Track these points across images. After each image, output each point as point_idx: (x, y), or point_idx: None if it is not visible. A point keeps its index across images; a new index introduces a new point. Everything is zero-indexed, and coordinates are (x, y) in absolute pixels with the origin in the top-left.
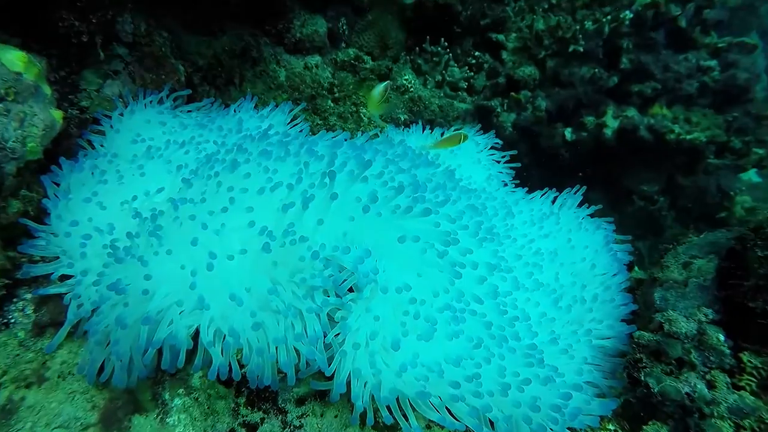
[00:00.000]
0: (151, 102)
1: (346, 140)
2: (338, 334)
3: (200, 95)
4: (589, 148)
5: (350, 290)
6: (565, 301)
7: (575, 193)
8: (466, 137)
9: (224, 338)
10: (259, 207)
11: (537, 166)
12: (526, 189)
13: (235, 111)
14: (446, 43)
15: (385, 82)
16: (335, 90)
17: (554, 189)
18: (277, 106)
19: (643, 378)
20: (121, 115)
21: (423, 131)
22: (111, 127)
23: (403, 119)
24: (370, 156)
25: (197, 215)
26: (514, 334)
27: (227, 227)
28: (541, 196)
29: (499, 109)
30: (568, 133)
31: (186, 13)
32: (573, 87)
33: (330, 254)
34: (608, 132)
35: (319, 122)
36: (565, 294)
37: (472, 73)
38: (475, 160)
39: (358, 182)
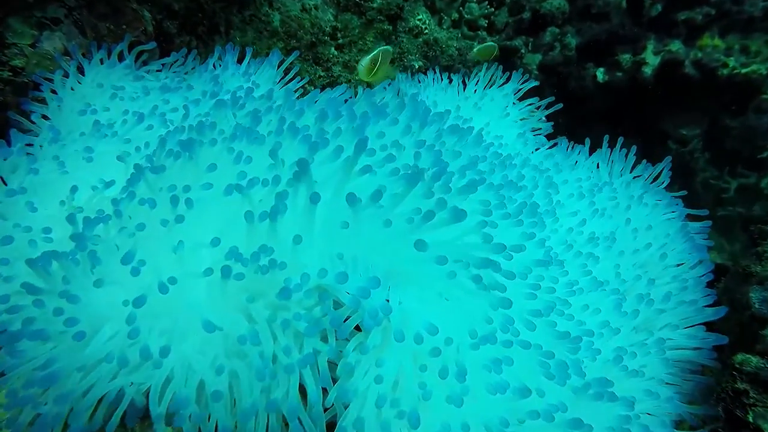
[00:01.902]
0: (103, 60)
1: (347, 101)
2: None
3: (178, 48)
4: (623, 90)
5: (357, 328)
6: (630, 304)
7: (626, 154)
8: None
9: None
10: (226, 215)
11: (563, 113)
12: (569, 146)
13: (214, 66)
14: None
15: (375, 51)
16: (339, 35)
17: (590, 145)
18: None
19: (752, 419)
20: (66, 77)
21: (441, 81)
22: (53, 94)
23: (417, 66)
24: (376, 127)
25: (147, 225)
26: (577, 366)
27: (184, 245)
28: (586, 156)
29: (523, 50)
30: (600, 73)
31: None
32: (608, 20)
33: (319, 284)
34: (647, 71)
35: (322, 74)
36: (628, 293)
37: (493, 9)
38: (503, 114)
39: (354, 173)
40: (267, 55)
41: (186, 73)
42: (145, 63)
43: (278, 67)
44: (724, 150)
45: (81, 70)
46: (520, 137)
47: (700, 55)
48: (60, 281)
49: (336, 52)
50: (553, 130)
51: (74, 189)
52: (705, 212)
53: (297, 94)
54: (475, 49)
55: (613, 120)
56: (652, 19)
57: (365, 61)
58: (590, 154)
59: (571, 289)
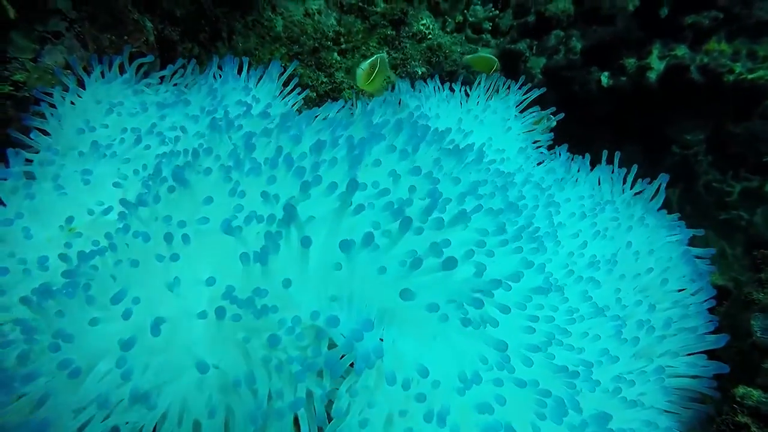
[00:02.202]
0: (104, 74)
1: (345, 118)
2: None
3: (181, 55)
4: (628, 95)
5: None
6: (630, 330)
7: (626, 174)
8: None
9: None
10: (222, 253)
11: (567, 117)
12: (570, 157)
13: (214, 77)
14: None
15: (374, 56)
16: (342, 40)
17: (594, 151)
18: (268, 65)
19: None
20: (66, 92)
21: (443, 89)
22: (53, 108)
23: (420, 72)
24: (371, 156)
25: (142, 260)
26: (574, 401)
27: (180, 283)
28: (584, 172)
29: (527, 53)
30: (604, 78)
31: None
32: (613, 23)
33: (312, 324)
34: (652, 76)
35: (324, 79)
36: (629, 318)
37: (497, 11)
38: (505, 128)
39: (348, 213)
40: (269, 61)
41: (186, 86)
42: (146, 74)
43: (279, 78)
44: (727, 155)
45: (82, 84)
46: (522, 152)
47: (706, 59)
48: (54, 317)
49: (339, 58)
50: (552, 141)
51: (72, 213)
52: (701, 232)
53: (296, 110)
54: (468, 56)
55: (617, 125)
56: (658, 22)
57: (363, 68)
58: (593, 165)
59: (571, 317)
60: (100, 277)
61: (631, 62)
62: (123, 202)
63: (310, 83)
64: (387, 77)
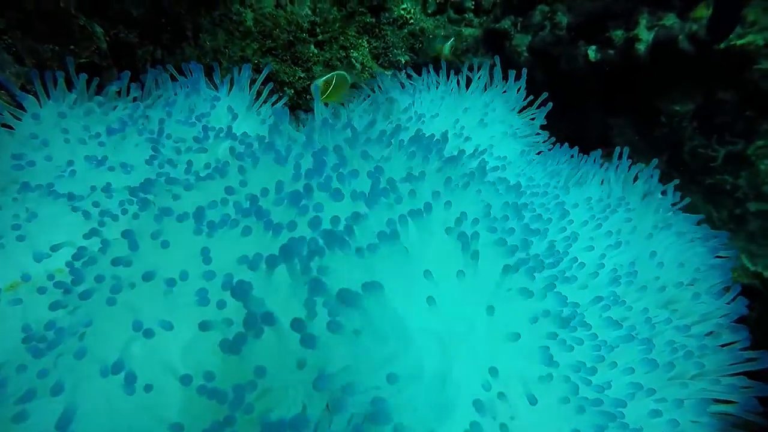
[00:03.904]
0: (48, 92)
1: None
2: None
3: (142, 60)
4: (617, 68)
5: None
6: (661, 354)
7: (630, 163)
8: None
9: None
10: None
11: (555, 96)
12: (567, 155)
13: (180, 89)
14: None
15: (332, 73)
16: (318, 30)
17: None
18: (240, 66)
19: None
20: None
21: (437, 86)
22: None
23: (404, 61)
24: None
25: (79, 358)
26: None
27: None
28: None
29: (512, 31)
30: (591, 52)
31: None
32: None
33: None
34: (641, 47)
35: (302, 74)
36: (657, 338)
37: None
38: (506, 130)
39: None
40: (241, 59)
41: (145, 99)
42: (101, 88)
43: (250, 87)
44: (715, 124)
45: (21, 106)
46: (524, 155)
47: (695, 27)
48: None
49: (316, 50)
50: (546, 123)
51: (6, 273)
52: (725, 234)
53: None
54: (319, 80)
55: (606, 99)
56: None
57: (319, 83)
58: (589, 148)
59: (598, 353)
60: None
61: (618, 34)
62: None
63: (287, 80)
64: (341, 96)
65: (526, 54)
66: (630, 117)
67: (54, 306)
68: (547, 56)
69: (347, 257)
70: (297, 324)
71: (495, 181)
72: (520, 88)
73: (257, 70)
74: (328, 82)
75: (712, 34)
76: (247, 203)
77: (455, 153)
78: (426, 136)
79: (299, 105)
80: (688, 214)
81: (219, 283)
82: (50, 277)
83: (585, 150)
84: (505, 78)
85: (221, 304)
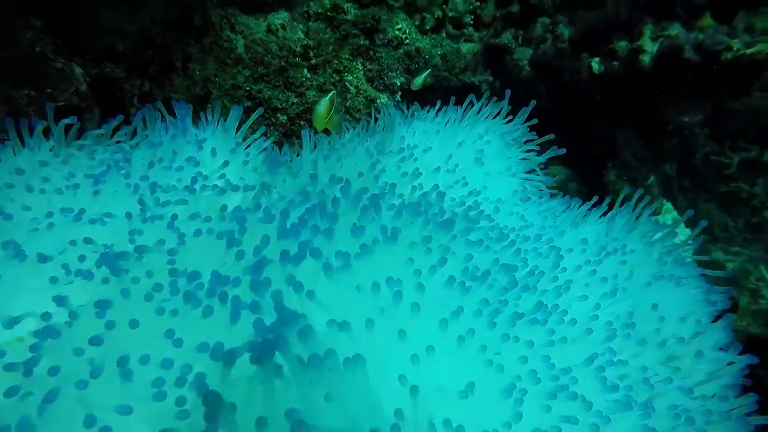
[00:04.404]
0: (23, 140)
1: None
2: None
3: (129, 95)
4: (621, 80)
5: None
6: (665, 421)
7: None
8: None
9: None
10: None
11: (558, 109)
12: (561, 195)
13: (166, 131)
14: None
15: (329, 94)
16: (311, 54)
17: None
18: (229, 96)
19: None
20: None
21: (434, 116)
22: None
23: (399, 84)
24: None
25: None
26: None
27: None
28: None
29: (513, 45)
30: (595, 64)
31: None
32: (602, 6)
33: None
34: (645, 59)
35: (295, 100)
36: (657, 399)
37: (478, 2)
38: (501, 167)
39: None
40: (232, 87)
41: (131, 147)
42: (82, 131)
43: (236, 130)
44: (726, 132)
45: None
46: (517, 194)
47: (701, 37)
48: None
49: (309, 74)
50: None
51: None
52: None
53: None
54: (418, 79)
55: (611, 111)
56: (648, 1)
57: (321, 109)
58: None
59: (593, 424)
60: None
61: (622, 45)
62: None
63: (280, 105)
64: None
65: (527, 68)
66: (636, 128)
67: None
68: (549, 69)
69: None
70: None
71: (483, 238)
72: (511, 118)
73: (249, 97)
74: (328, 107)
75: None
76: (208, 283)
77: (447, 194)
78: (415, 204)
79: (292, 132)
80: (687, 261)
81: (176, 374)
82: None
83: (589, 163)
84: (503, 97)
85: (180, 401)
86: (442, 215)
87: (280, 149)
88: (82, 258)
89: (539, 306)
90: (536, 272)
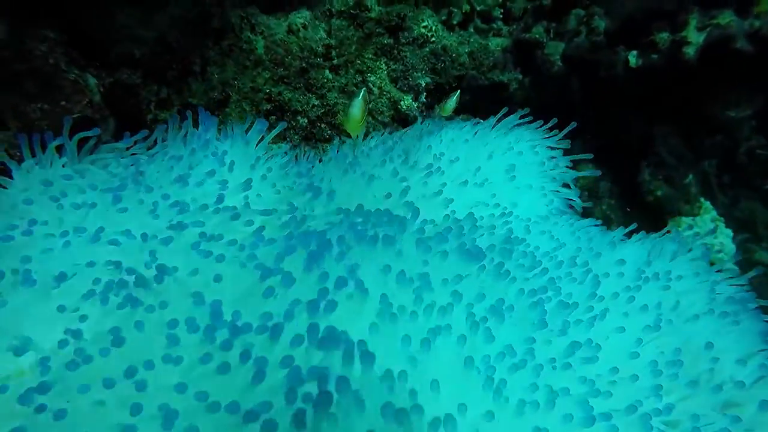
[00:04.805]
0: (36, 156)
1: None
2: None
3: (146, 101)
4: (661, 74)
5: None
6: None
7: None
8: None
9: None
10: None
11: (592, 106)
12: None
13: (185, 143)
14: None
15: (360, 94)
16: (333, 54)
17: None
18: (250, 119)
19: None
20: None
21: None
22: None
23: (424, 84)
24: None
25: None
26: None
27: None
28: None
29: (544, 39)
30: (632, 57)
31: None
32: None
33: None
34: (690, 51)
35: (315, 102)
36: None
37: None
38: (532, 181)
39: None
40: (252, 90)
41: (148, 159)
42: (102, 142)
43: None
44: None
45: (8, 172)
46: (550, 212)
47: (757, 24)
48: None
49: (331, 75)
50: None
51: None
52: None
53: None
54: (448, 104)
55: (647, 108)
56: None
57: (355, 114)
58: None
59: None
60: None
61: (663, 37)
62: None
63: (300, 108)
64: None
65: (560, 63)
66: (675, 125)
67: None
68: (582, 64)
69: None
70: None
71: (515, 267)
72: (542, 122)
73: (269, 100)
74: (363, 109)
75: None
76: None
77: (475, 212)
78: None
79: (313, 135)
80: (746, 292)
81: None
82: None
83: (624, 161)
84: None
85: None
86: (472, 243)
87: (303, 153)
88: (95, 282)
89: (574, 346)
90: (571, 303)
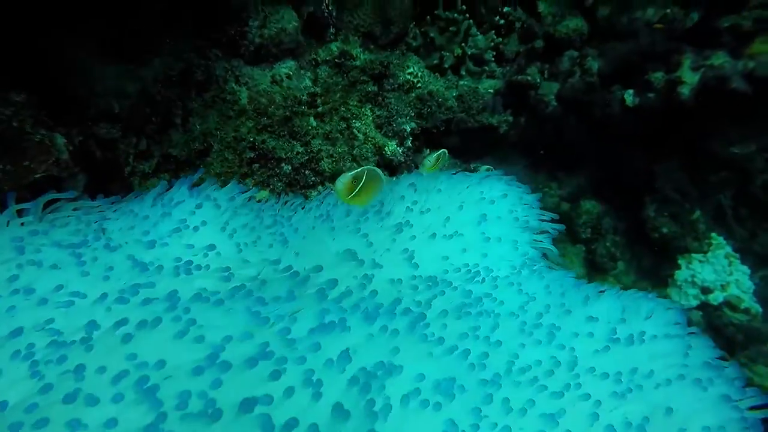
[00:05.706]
0: None
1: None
2: None
3: (124, 154)
4: (657, 113)
5: None
6: None
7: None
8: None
9: None
10: None
11: (588, 145)
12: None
13: (152, 204)
14: (464, 6)
15: (362, 168)
16: (318, 102)
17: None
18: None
19: None
20: None
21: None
22: None
23: (409, 129)
24: None
25: None
26: None
27: None
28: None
29: (538, 80)
30: (628, 96)
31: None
32: (635, 38)
33: None
34: (684, 90)
35: (300, 149)
36: None
37: (501, 39)
38: (502, 232)
39: None
40: (234, 140)
41: (114, 215)
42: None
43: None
44: None
45: None
46: (520, 265)
47: (751, 65)
48: None
49: (315, 123)
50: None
51: None
52: None
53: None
54: (427, 161)
55: (647, 145)
56: (687, 31)
57: (346, 179)
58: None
59: None
60: None
61: (658, 77)
62: None
63: (284, 155)
64: (372, 194)
65: (554, 103)
66: (677, 161)
67: None
68: (577, 104)
69: None
70: None
71: (460, 337)
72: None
73: (252, 148)
74: (357, 179)
75: None
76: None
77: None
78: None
79: (296, 182)
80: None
81: None
82: None
83: (627, 197)
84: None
85: None
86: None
87: (284, 201)
88: (30, 347)
89: (531, 416)
90: (530, 368)
